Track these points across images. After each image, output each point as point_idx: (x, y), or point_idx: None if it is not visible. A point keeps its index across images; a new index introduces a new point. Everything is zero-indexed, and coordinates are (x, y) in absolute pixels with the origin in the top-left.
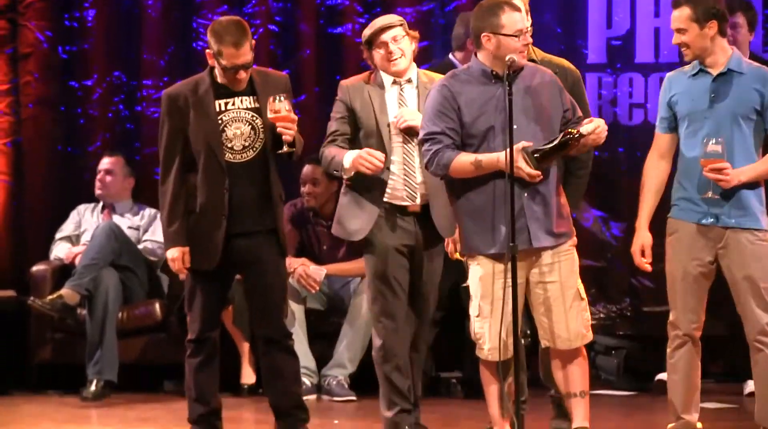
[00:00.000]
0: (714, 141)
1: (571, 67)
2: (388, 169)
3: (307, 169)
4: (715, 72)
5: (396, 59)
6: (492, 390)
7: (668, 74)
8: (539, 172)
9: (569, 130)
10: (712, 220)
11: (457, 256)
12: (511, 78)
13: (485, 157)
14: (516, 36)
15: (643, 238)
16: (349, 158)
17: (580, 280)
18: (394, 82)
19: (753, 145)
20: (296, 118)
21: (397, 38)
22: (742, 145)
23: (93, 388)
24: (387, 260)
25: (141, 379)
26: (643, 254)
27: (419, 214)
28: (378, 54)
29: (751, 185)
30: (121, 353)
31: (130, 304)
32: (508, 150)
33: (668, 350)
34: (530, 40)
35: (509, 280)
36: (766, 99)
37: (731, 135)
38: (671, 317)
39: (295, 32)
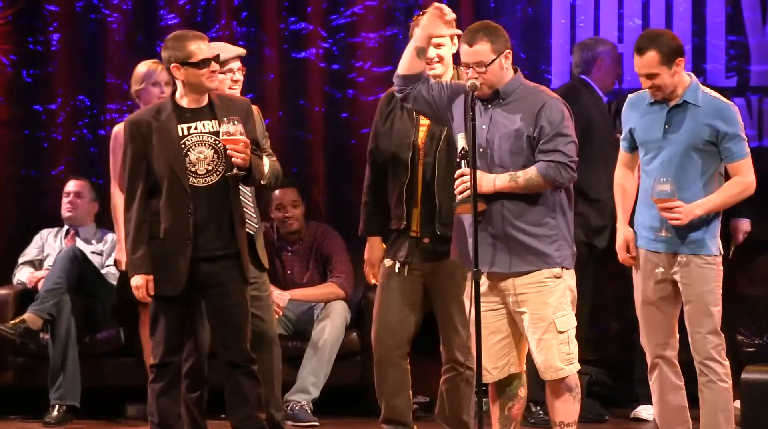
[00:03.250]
0: (663, 180)
1: None
2: None
3: (281, 193)
4: (672, 103)
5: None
6: (492, 410)
7: (630, 96)
8: None
9: None
10: (663, 247)
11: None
12: (471, 98)
13: None
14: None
15: (625, 233)
16: None
17: (565, 312)
18: None
19: (704, 173)
20: (248, 141)
21: (240, 69)
22: (693, 175)
23: (55, 413)
24: None
25: (104, 403)
26: (627, 251)
27: None
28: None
29: (703, 218)
30: (83, 378)
31: (93, 328)
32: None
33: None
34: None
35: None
36: (720, 133)
37: (683, 165)
38: (640, 341)
39: (258, 56)
